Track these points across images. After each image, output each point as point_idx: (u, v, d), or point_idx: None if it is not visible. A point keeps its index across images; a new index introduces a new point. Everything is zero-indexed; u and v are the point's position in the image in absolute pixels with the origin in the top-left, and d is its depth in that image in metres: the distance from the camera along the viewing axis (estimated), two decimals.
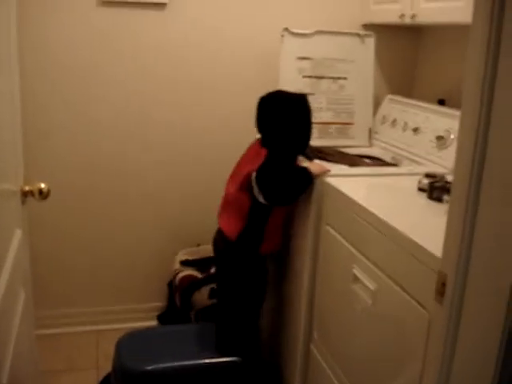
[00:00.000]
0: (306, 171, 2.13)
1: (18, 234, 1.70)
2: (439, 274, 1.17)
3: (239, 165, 2.33)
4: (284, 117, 2.18)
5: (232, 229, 2.25)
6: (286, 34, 2.66)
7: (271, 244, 2.31)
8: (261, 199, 2.11)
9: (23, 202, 1.78)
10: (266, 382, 2.54)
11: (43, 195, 1.76)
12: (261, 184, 2.08)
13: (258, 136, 2.27)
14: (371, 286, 1.74)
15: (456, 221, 1.08)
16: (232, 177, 2.33)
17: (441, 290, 1.16)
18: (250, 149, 2.34)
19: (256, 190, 2.10)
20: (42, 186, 1.76)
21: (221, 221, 2.33)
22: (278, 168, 2.11)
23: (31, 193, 1.76)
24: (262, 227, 2.23)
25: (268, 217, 2.21)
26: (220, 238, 2.34)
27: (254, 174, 2.10)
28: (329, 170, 2.16)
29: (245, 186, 2.17)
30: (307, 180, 2.13)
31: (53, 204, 2.39)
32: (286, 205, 2.23)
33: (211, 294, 2.74)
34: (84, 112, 2.87)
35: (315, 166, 2.20)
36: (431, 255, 1.42)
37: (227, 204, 2.32)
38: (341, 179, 2.11)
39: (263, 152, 2.15)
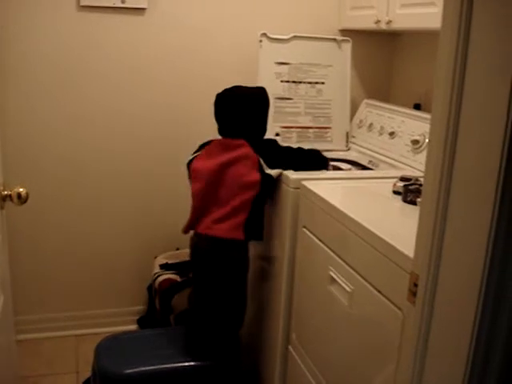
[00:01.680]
0: (324, 159, 2.42)
1: None
2: (411, 275, 1.19)
3: (219, 169, 2.30)
4: (252, 109, 2.31)
5: (235, 229, 2.25)
6: (263, 39, 2.69)
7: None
8: (276, 174, 2.26)
9: (1, 207, 1.78)
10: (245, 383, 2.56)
11: (22, 199, 1.76)
12: (271, 162, 2.24)
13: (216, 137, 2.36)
14: (347, 287, 1.77)
15: (427, 222, 1.11)
16: (213, 181, 2.30)
17: (413, 291, 1.18)
18: (216, 151, 2.33)
19: (270, 171, 2.24)
20: (21, 190, 1.76)
21: (216, 229, 2.27)
22: (277, 145, 2.36)
23: (10, 197, 1.76)
24: (262, 211, 2.33)
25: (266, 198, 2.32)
26: (214, 249, 2.30)
27: (260, 159, 2.22)
28: None
29: (245, 180, 2.23)
30: (322, 165, 2.40)
31: (32, 208, 2.40)
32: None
33: (191, 298, 2.75)
34: (63, 115, 2.87)
35: None
36: (405, 256, 1.44)
37: (215, 207, 2.29)
38: (317, 182, 2.13)
39: (241, 144, 2.25)
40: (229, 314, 2.38)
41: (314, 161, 2.38)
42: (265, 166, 2.22)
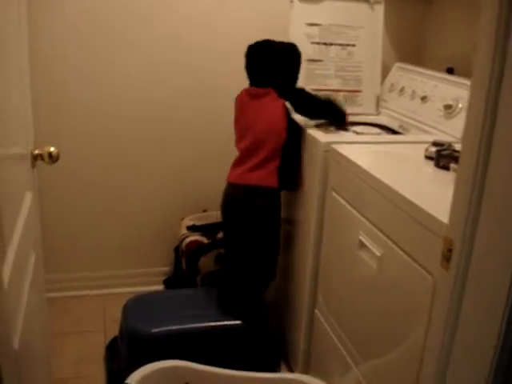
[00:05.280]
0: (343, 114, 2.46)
1: (28, 197, 1.72)
2: (445, 240, 1.17)
3: (247, 118, 2.36)
4: (283, 60, 2.37)
5: (268, 176, 2.29)
6: None
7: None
8: (303, 121, 2.31)
9: (33, 165, 1.79)
10: (270, 345, 2.58)
11: (53, 159, 1.77)
12: (298, 106, 2.30)
13: (245, 87, 2.42)
14: (377, 251, 1.76)
15: (464, 186, 1.09)
16: (244, 133, 2.36)
17: (447, 256, 1.17)
18: (247, 100, 2.39)
19: (297, 116, 2.29)
20: (52, 149, 1.76)
21: (249, 178, 2.31)
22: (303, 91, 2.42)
23: (41, 156, 1.77)
24: (297, 160, 2.36)
25: (300, 147, 2.35)
26: (245, 197, 2.34)
27: (287, 104, 2.27)
28: None
29: (274, 128, 2.28)
30: (340, 120, 2.45)
31: (62, 168, 2.41)
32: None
33: (217, 259, 2.77)
34: (95, 77, 2.88)
35: None
36: (437, 221, 1.43)
37: (249, 157, 2.32)
38: (347, 146, 2.11)
39: (268, 91, 2.30)
40: (260, 267, 2.40)
41: (336, 117, 2.43)
42: (292, 110, 2.27)
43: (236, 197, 2.37)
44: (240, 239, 2.41)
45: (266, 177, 2.28)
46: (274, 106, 2.28)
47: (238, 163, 2.37)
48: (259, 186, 2.29)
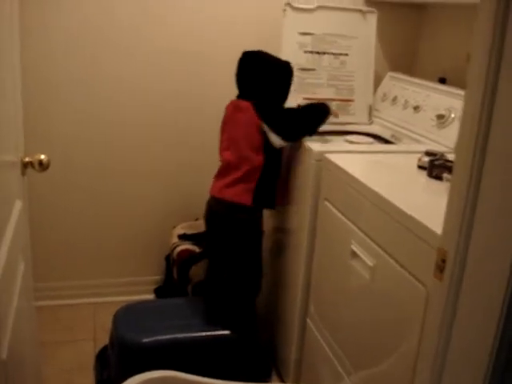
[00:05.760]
0: (323, 104, 2.37)
1: (18, 205, 1.70)
2: (439, 251, 1.17)
3: (230, 131, 2.34)
4: (272, 75, 2.32)
5: (244, 194, 2.27)
6: (288, 8, 2.64)
7: (280, 197, 2.39)
8: (279, 143, 2.23)
9: (23, 173, 1.77)
10: (261, 355, 2.57)
11: (43, 166, 1.75)
12: (275, 127, 2.22)
13: (233, 99, 2.39)
14: (369, 261, 1.75)
15: (457, 196, 1.08)
16: (227, 145, 2.34)
17: (440, 266, 1.16)
18: (231, 112, 2.37)
19: (273, 137, 2.22)
20: (42, 157, 1.75)
21: (226, 193, 2.30)
22: (281, 108, 2.32)
23: (31, 164, 1.75)
24: (275, 180, 2.33)
25: (279, 167, 2.32)
26: (225, 211, 2.33)
27: (262, 123, 2.21)
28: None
29: (251, 145, 2.25)
30: (324, 111, 2.34)
31: (52, 176, 2.40)
32: (307, 135, 2.29)
33: None
34: (85, 83, 2.86)
35: None
36: (430, 232, 1.42)
37: (228, 172, 2.31)
38: (340, 155, 2.11)
39: (247, 107, 2.26)
40: (243, 279, 2.40)
41: (317, 113, 2.36)
42: (268, 131, 2.22)
43: (217, 210, 2.37)
44: (223, 250, 2.41)
45: (240, 194, 2.28)
46: (252, 127, 2.25)
47: (219, 176, 2.38)
48: (234, 202, 2.29)
